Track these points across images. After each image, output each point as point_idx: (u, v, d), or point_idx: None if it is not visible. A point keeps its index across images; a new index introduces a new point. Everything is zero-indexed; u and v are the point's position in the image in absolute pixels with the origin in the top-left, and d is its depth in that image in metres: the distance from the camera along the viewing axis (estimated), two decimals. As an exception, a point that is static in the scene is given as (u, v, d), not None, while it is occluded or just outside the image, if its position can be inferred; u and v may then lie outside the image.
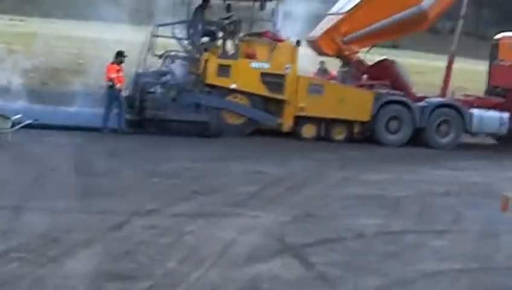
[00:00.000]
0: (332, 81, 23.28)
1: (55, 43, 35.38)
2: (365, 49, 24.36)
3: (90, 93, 23.87)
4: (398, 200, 15.02)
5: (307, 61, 23.79)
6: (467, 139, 24.41)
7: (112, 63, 20.32)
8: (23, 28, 47.62)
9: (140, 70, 21.52)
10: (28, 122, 17.88)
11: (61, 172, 15.13)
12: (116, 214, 11.91)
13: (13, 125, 17.43)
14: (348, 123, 22.25)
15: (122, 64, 20.52)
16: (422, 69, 38.68)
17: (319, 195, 14.99)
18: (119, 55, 20.39)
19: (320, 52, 23.78)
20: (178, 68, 21.93)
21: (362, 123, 22.33)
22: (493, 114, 23.64)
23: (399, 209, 14.30)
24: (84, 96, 23.31)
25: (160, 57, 21.66)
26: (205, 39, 22.11)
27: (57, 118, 20.53)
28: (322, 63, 25.03)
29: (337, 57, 23.80)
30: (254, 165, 17.45)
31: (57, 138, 18.63)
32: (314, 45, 23.63)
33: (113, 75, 20.12)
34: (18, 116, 17.77)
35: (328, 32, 23.15)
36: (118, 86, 20.15)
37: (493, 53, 25.79)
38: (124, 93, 21.82)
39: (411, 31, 24.73)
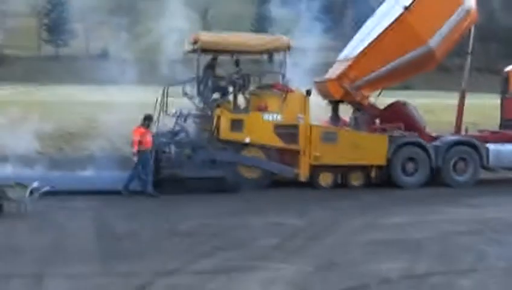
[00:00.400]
0: (345, 128, 23.27)
1: (68, 108, 35.70)
2: (376, 93, 24.39)
3: (105, 156, 24.01)
4: (420, 242, 14.93)
5: (318, 109, 23.84)
6: (485, 175, 24.31)
7: (139, 127, 20.36)
8: (36, 96, 48.03)
9: (153, 131, 21.61)
10: (45, 189, 17.95)
11: (81, 237, 15.15)
12: (139, 276, 11.90)
13: (31, 193, 17.49)
14: (365, 168, 22.23)
15: (149, 128, 20.55)
16: (434, 108, 38.57)
17: (340, 243, 14.92)
18: (147, 119, 20.45)
19: (326, 95, 23.82)
20: (191, 126, 22.06)
21: (378, 167, 22.30)
22: (509, 147, 23.58)
23: (422, 251, 14.20)
24: (100, 160, 23.44)
25: (173, 116, 21.74)
26: (216, 95, 22.23)
27: (74, 183, 20.70)
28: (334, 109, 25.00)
29: (349, 102, 23.80)
30: (273, 217, 17.41)
31: (75, 203, 18.71)
32: (321, 86, 23.68)
33: (138, 138, 20.10)
34: (35, 183, 17.84)
35: (338, 78, 23.18)
36: (145, 148, 20.14)
37: (504, 86, 25.83)
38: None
39: (420, 71, 24.73)
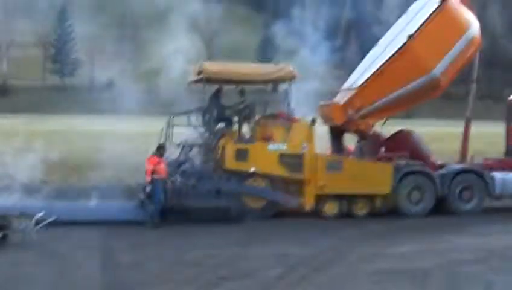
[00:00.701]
0: (350, 157, 23.22)
1: (73, 138, 35.78)
2: (381, 122, 24.35)
3: (110, 186, 23.99)
4: (427, 272, 14.87)
5: (323, 138, 23.81)
6: (491, 203, 24.24)
7: (153, 156, 20.35)
8: (41, 125, 48.16)
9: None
10: (51, 219, 17.95)
11: (86, 267, 15.14)
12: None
13: (37, 223, 17.49)
14: (370, 197, 22.17)
15: (163, 157, 20.52)
16: (439, 136, 38.59)
17: (346, 273, 14.86)
18: (160, 149, 20.45)
19: (328, 119, 23.80)
20: (196, 156, 22.05)
21: (384, 196, 22.25)
22: (515, 176, 23.54)
23: (429, 281, 14.14)
24: (104, 189, 23.41)
25: (178, 145, 21.74)
26: (221, 125, 22.24)
27: (79, 213, 20.65)
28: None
29: (354, 131, 23.74)
30: (278, 247, 17.37)
31: (81, 233, 18.73)
32: (325, 110, 23.73)
33: (152, 168, 20.08)
34: (41, 213, 17.85)
35: (343, 105, 23.17)
36: (157, 177, 20.12)
37: (509, 114, 25.76)
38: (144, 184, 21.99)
39: (424, 99, 24.74)
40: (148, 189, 20.06)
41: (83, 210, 21.22)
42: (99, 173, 26.29)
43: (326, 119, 24.02)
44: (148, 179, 20.03)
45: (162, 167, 20.24)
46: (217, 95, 22.35)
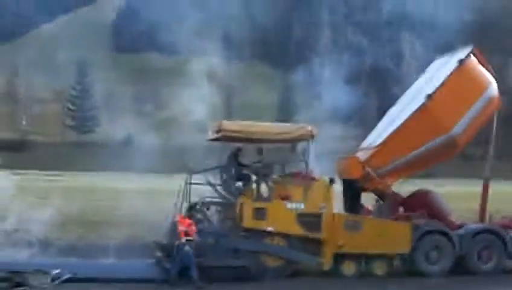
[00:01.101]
0: (369, 217, 23.11)
1: (91, 195, 35.84)
2: (399, 181, 24.28)
3: (127, 244, 23.96)
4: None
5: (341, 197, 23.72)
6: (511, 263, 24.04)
7: (184, 217, 20.27)
8: (59, 182, 48.34)
9: (177, 219, 21.57)
10: (67, 276, 17.92)
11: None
12: None
13: (53, 280, 17.46)
14: (388, 257, 22.04)
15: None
16: (458, 196, 38.40)
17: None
18: (191, 209, 20.38)
19: (344, 173, 23.71)
20: (214, 214, 22.02)
21: (402, 256, 22.11)
22: (534, 234, 23.37)
23: None
24: (121, 248, 23.39)
25: (196, 204, 21.70)
26: (239, 183, 22.23)
27: (95, 270, 20.58)
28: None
29: (372, 190, 23.66)
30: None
31: (97, 290, 18.61)
32: (343, 164, 23.74)
33: (184, 229, 20.04)
34: (57, 270, 17.82)
35: (361, 162, 23.13)
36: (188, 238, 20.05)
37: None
38: (161, 242, 21.96)
39: (442, 159, 24.67)
40: (184, 249, 19.91)
41: (99, 268, 21.18)
42: (116, 230, 26.30)
43: (343, 173, 23.86)
44: (182, 240, 19.89)
45: (193, 229, 20.15)
46: (236, 153, 22.39)
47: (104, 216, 30.80)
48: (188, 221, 20.19)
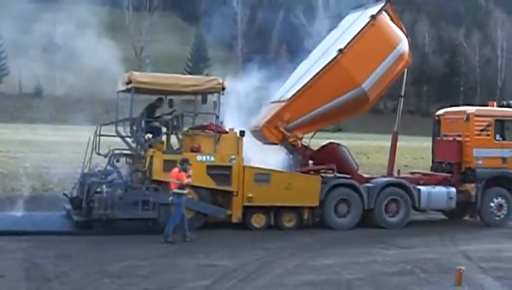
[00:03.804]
0: (278, 169, 23.21)
1: (-1, 147, 35.15)
2: (309, 135, 24.42)
3: (36, 197, 23.66)
4: (351, 283, 15.03)
5: (253, 150, 23.76)
6: (416, 216, 24.58)
7: (179, 171, 19.95)
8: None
9: (86, 171, 21.37)
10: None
11: (10, 278, 14.86)
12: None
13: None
14: (297, 210, 22.27)
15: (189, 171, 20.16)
16: (367, 150, 39.01)
17: (271, 284, 14.88)
18: (185, 162, 20.04)
19: (266, 141, 23.77)
20: (124, 166, 21.86)
21: (311, 209, 22.36)
22: (440, 190, 23.93)
23: (352, 292, 14.26)
24: (30, 200, 23.09)
25: (105, 156, 21.49)
26: (149, 135, 22.09)
27: (4, 223, 20.31)
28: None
29: (282, 144, 23.75)
30: (205, 258, 17.31)
31: (5, 243, 18.33)
32: (258, 134, 23.64)
33: (175, 180, 19.79)
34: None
35: (272, 120, 23.18)
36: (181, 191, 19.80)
37: (436, 129, 26.21)
38: (71, 195, 21.76)
39: (353, 113, 24.82)
40: (171, 200, 19.80)
41: (8, 220, 20.90)
42: (25, 182, 25.93)
43: (263, 140, 23.91)
44: (173, 190, 19.73)
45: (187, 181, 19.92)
46: (156, 104, 22.31)
47: (13, 168, 30.36)
48: (183, 174, 19.90)
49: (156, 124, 22.32)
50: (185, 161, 19.98)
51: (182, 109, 22.69)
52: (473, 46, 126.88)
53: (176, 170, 19.84)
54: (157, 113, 22.69)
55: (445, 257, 18.40)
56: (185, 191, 19.82)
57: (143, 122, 21.79)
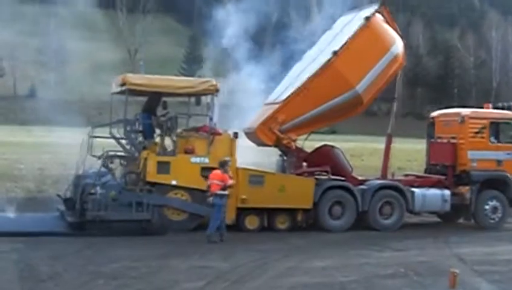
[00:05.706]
0: (272, 171, 23.22)
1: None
2: (303, 137, 24.41)
3: (30, 198, 23.63)
4: (344, 286, 15.02)
5: (247, 152, 23.77)
6: (410, 218, 24.58)
7: (218, 173, 19.97)
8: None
9: (79, 172, 21.36)
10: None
11: (4, 279, 14.84)
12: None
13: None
14: (291, 212, 22.26)
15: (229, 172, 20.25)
16: (361, 152, 39.03)
17: (265, 286, 14.88)
18: (225, 164, 20.12)
19: (259, 143, 23.76)
20: (118, 168, 21.85)
21: (305, 211, 22.35)
22: (435, 192, 23.91)
23: (346, 295, 14.26)
24: (25, 201, 23.07)
25: (99, 157, 21.48)
26: (140, 139, 22.10)
27: (-1, 224, 20.31)
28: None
29: (276, 146, 23.75)
30: (199, 260, 17.30)
31: (-2, 244, 18.31)
32: (252, 136, 23.63)
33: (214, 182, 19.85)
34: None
35: (266, 122, 23.17)
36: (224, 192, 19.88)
37: (430, 131, 26.21)
38: (64, 196, 21.73)
39: (347, 115, 24.80)
40: (211, 201, 19.86)
41: (1, 221, 20.87)
42: (20, 184, 25.92)
43: (257, 143, 23.91)
44: (215, 191, 19.78)
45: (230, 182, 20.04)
46: (152, 106, 22.32)
47: (8, 169, 30.33)
48: (221, 175, 19.95)
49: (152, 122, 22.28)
50: (225, 163, 20.08)
51: (175, 110, 22.65)
52: (468, 48, 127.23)
53: (218, 171, 19.95)
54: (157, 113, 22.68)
55: (439, 260, 18.39)
56: (227, 193, 19.89)
57: (137, 123, 21.82)
